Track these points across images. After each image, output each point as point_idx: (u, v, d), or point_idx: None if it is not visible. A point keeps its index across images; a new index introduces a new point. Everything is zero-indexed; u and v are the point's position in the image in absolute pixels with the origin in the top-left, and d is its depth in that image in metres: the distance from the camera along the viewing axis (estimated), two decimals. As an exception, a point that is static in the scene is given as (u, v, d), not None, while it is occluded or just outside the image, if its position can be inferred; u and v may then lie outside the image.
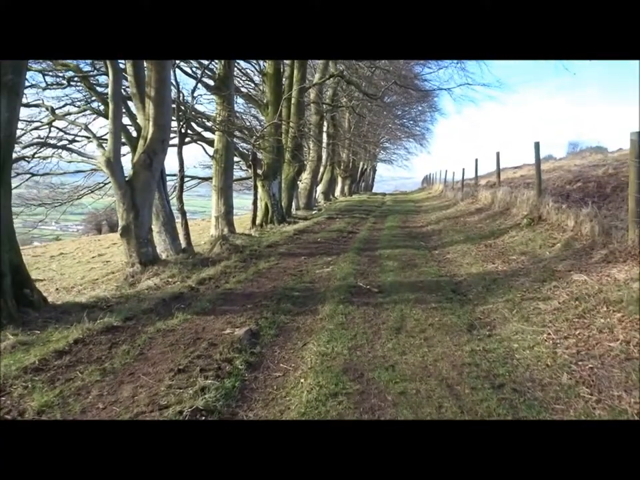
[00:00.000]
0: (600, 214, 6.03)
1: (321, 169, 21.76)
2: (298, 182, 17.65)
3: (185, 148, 12.76)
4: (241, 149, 13.13)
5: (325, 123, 20.93)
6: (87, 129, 6.95)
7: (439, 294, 4.88)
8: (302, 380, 2.94)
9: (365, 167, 41.06)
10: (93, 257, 15.65)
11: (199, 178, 14.29)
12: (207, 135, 12.03)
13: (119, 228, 6.97)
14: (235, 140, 12.82)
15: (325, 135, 21.16)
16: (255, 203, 12.16)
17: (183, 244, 8.61)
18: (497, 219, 9.66)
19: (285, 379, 3.01)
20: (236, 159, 14.65)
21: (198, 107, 13.51)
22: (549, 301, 4.24)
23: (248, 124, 14.55)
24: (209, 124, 10.90)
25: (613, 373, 2.80)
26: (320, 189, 23.33)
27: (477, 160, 15.68)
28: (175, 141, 9.26)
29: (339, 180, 30.33)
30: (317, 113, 18.23)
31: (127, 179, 6.80)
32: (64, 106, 10.20)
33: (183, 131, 8.55)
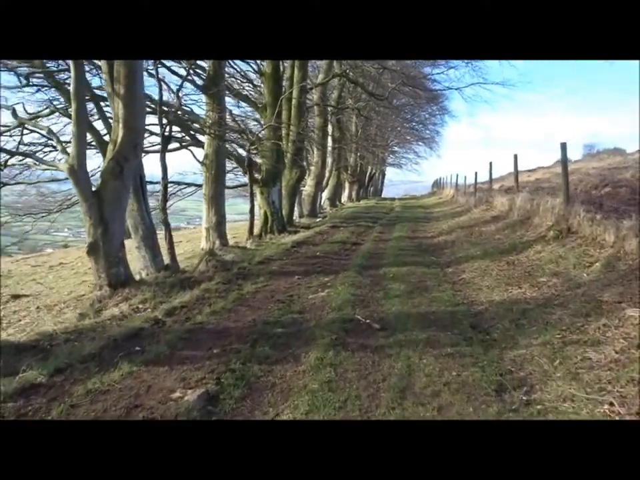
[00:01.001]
0: (649, 228, 5.04)
1: (326, 174, 20.84)
2: (301, 188, 16.76)
3: (181, 150, 12.01)
4: (237, 154, 12.24)
5: (330, 126, 20.05)
6: (50, 132, 6.12)
7: (455, 331, 3.92)
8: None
9: (374, 171, 40.13)
10: (92, 267, 14.93)
11: (195, 185, 13.43)
12: (203, 139, 11.21)
13: (86, 245, 6.13)
14: (230, 144, 11.96)
15: (330, 139, 20.27)
16: (251, 211, 11.28)
17: (167, 260, 7.76)
18: (516, 229, 8.65)
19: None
20: (234, 164, 13.80)
21: (193, 109, 12.71)
22: (600, 348, 3.26)
23: (247, 128, 13.64)
24: (198, 127, 10.04)
25: None
26: (325, 194, 22.43)
27: (490, 163, 14.73)
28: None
29: (346, 185, 29.40)
30: (321, 116, 17.35)
31: (94, 189, 5.96)
32: (44, 110, 9.45)
33: (166, 134, 7.69)
